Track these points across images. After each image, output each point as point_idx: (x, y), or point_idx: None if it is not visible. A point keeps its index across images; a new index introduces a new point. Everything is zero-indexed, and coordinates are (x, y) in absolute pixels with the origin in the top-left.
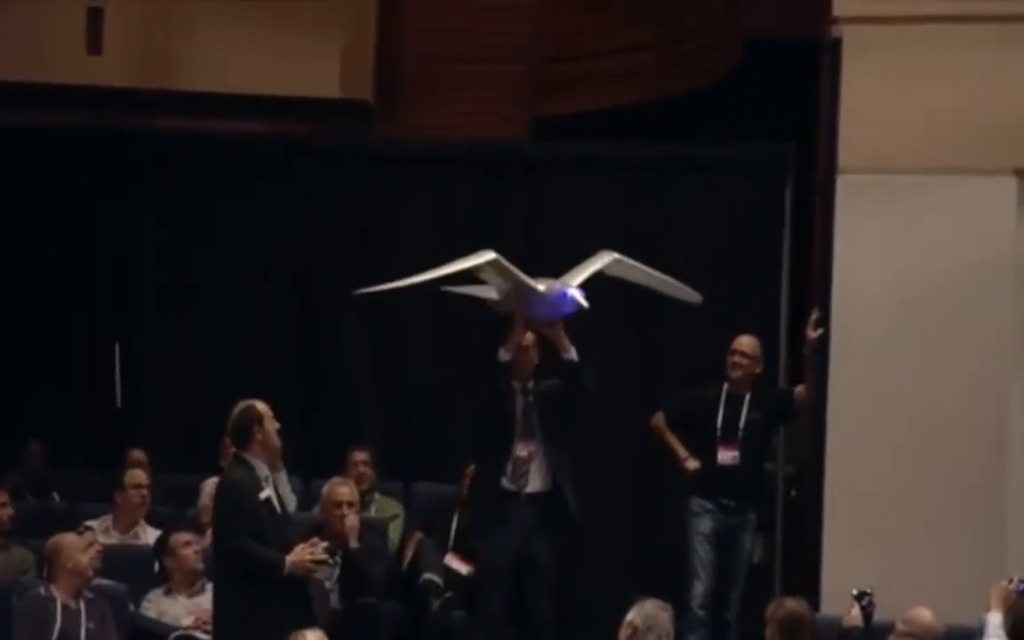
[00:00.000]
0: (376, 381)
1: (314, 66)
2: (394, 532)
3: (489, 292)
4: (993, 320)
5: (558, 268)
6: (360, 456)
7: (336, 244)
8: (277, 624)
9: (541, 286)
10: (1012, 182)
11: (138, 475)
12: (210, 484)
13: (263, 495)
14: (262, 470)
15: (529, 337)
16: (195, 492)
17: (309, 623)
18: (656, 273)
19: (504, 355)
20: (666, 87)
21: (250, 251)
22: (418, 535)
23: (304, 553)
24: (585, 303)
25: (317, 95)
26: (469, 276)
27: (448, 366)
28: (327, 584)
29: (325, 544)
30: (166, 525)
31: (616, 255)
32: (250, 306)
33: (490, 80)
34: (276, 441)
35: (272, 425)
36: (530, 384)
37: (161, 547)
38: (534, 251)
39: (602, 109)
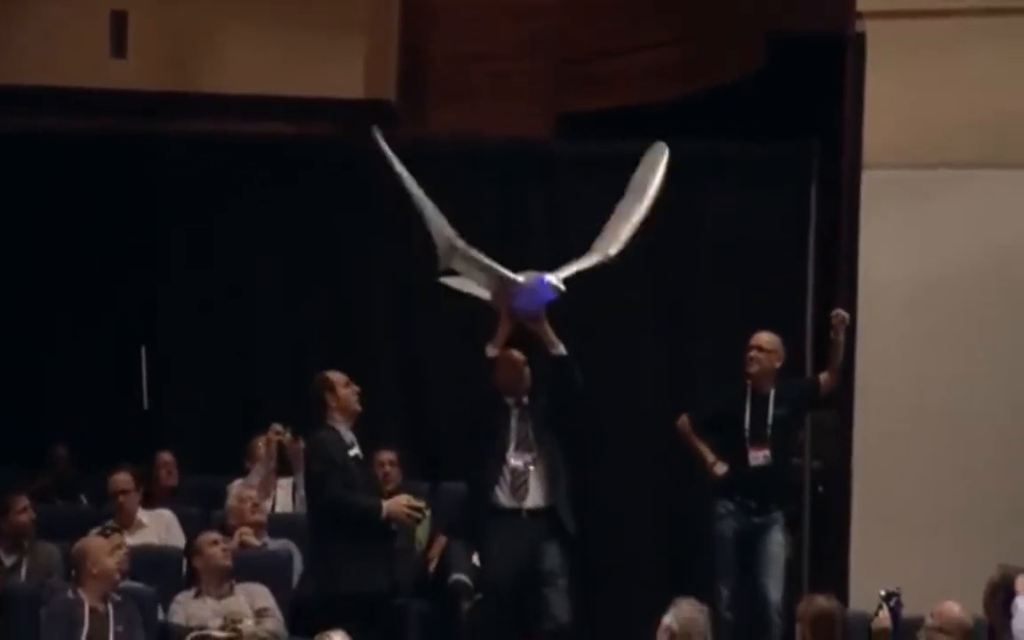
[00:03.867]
0: (402, 381)
1: (338, 67)
2: (421, 533)
3: (482, 291)
4: (1019, 314)
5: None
6: (386, 456)
7: (362, 245)
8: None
9: (520, 277)
10: None
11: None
12: (236, 486)
13: (352, 452)
14: (347, 434)
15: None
16: (222, 494)
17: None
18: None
19: (491, 351)
20: (691, 84)
21: (276, 253)
22: (443, 538)
23: (402, 500)
24: (562, 286)
25: (341, 96)
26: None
27: (474, 366)
28: None
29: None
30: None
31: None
32: (275, 308)
33: (514, 79)
34: (354, 404)
35: (347, 390)
36: (524, 400)
37: (189, 548)
38: (560, 250)
39: (627, 107)
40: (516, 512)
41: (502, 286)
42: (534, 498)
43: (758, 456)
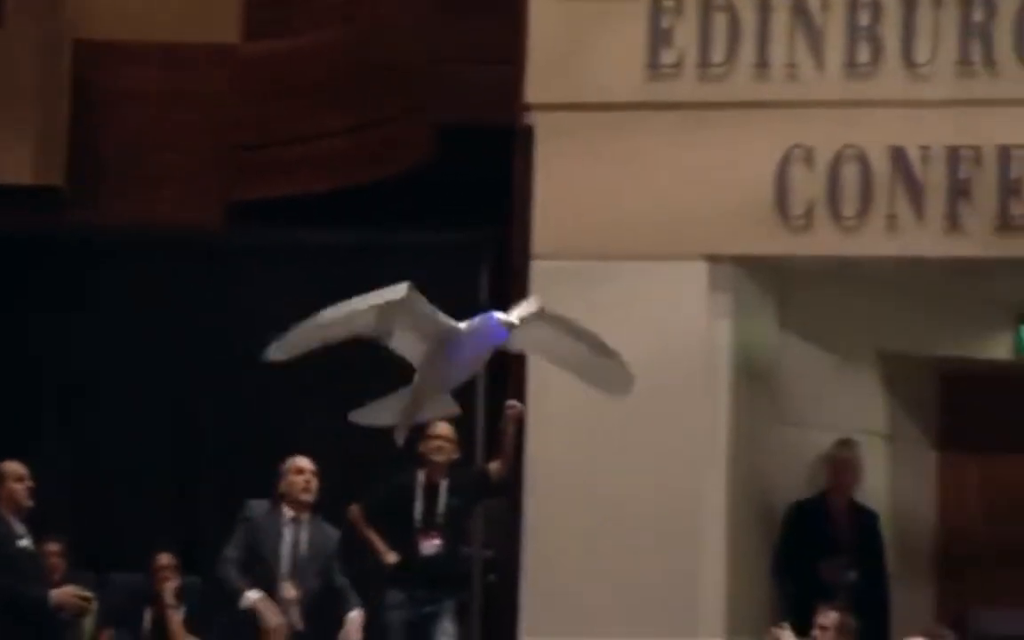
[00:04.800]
0: (68, 468)
1: (5, 153)
2: (88, 624)
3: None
4: (685, 407)
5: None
6: (52, 547)
7: (31, 331)
8: None
9: (462, 325)
10: (702, 267)
11: None
12: None
13: (21, 543)
14: (17, 525)
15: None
16: None
17: None
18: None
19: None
20: (364, 173)
21: None
22: (111, 630)
23: (69, 590)
24: (516, 321)
25: (9, 182)
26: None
27: (143, 453)
28: None
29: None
30: None
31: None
32: None
33: (186, 166)
34: (24, 499)
35: (18, 484)
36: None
37: None
38: (230, 337)
39: (300, 195)
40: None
41: (437, 344)
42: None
43: (429, 545)
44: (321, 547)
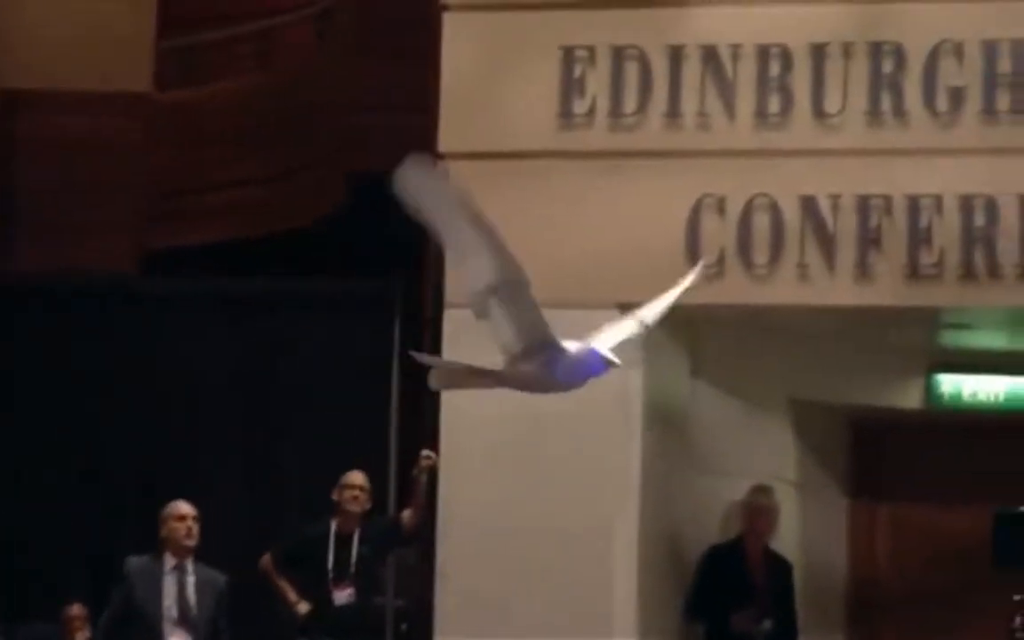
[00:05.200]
0: None
1: None
2: None
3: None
4: (597, 455)
5: (174, 401)
6: None
7: None
8: None
9: (570, 346)
10: (613, 316)
11: None
12: None
13: None
14: None
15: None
16: None
17: None
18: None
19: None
20: (279, 221)
21: None
22: None
23: None
24: (617, 360)
25: None
26: None
27: (55, 500)
28: None
29: None
30: None
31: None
32: None
33: (103, 213)
34: None
35: None
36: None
37: None
38: (146, 383)
39: (215, 243)
40: None
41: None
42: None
43: (342, 595)
44: (210, 591)
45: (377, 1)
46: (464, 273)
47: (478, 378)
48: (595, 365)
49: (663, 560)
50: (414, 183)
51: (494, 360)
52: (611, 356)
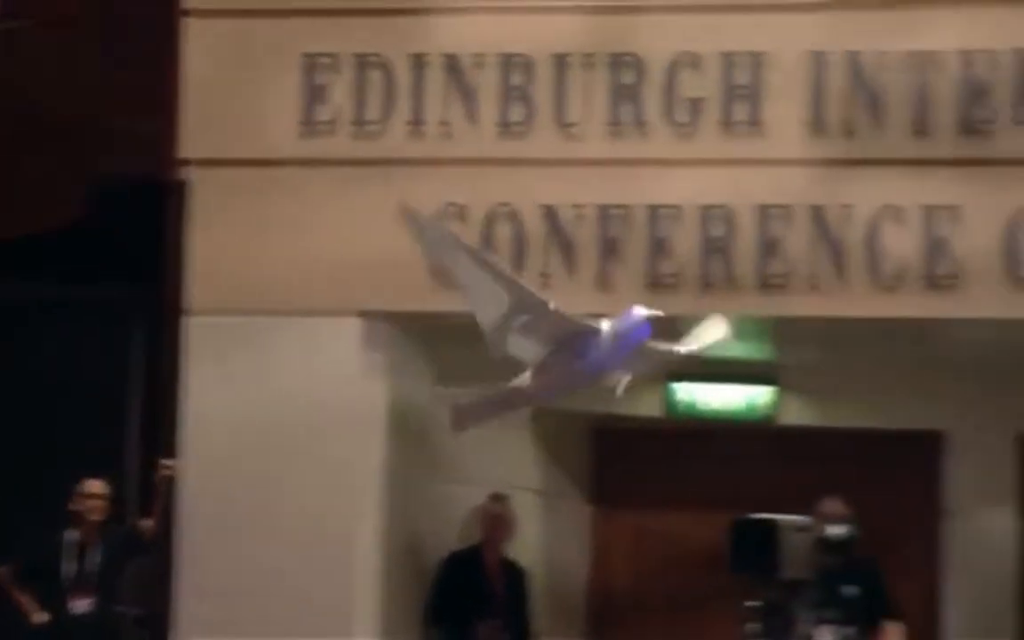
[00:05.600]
0: None
1: None
2: None
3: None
4: (340, 462)
5: None
6: None
7: None
8: None
9: (603, 324)
10: (356, 323)
11: None
12: None
13: None
14: None
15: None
16: None
17: None
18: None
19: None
20: (19, 227)
21: None
22: None
23: None
24: (662, 312)
25: None
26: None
27: None
28: None
29: None
30: None
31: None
32: None
33: None
34: None
35: None
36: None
37: None
38: None
39: None
40: None
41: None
42: None
43: (81, 604)
44: None
45: (118, 5)
46: (477, 313)
47: (504, 402)
48: (638, 327)
49: (406, 564)
50: (419, 233)
51: (244, 367)
52: (652, 311)
